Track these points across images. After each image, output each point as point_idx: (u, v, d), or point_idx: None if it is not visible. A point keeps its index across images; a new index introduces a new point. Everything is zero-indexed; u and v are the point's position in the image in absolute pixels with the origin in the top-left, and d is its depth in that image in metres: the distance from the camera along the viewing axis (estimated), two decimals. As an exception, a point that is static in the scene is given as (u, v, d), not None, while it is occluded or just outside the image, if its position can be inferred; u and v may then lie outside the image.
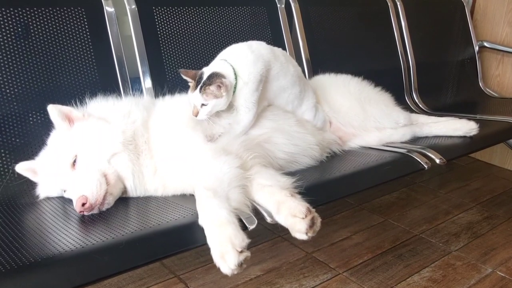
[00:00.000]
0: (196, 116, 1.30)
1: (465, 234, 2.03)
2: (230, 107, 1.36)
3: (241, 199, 1.10)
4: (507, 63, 2.81)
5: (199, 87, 1.28)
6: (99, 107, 1.33)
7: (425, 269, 1.75)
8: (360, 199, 2.35)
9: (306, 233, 1.02)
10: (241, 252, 0.91)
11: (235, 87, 1.32)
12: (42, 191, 1.28)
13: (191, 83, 1.33)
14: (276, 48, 1.46)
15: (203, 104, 1.29)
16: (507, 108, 2.44)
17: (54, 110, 1.24)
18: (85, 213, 1.12)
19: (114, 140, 1.22)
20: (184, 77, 1.35)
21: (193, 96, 1.30)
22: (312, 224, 1.02)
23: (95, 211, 1.14)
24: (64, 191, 1.23)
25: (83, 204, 1.10)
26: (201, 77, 1.30)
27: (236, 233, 0.95)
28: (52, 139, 1.28)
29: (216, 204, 1.02)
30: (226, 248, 0.92)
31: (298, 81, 1.49)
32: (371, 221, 2.14)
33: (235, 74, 1.31)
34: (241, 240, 0.94)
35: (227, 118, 1.36)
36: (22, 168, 1.29)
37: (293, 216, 1.03)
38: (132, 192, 1.25)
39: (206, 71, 1.32)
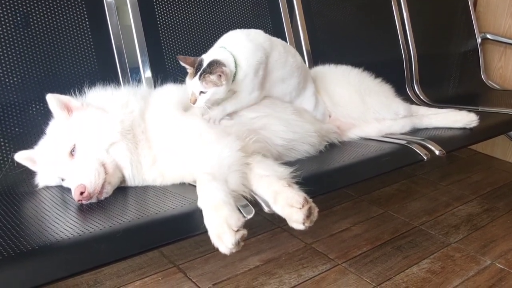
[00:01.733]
0: (193, 103, 1.29)
1: (464, 226, 2.03)
2: (228, 94, 1.35)
3: (239, 181, 1.11)
4: (509, 55, 2.78)
5: (198, 74, 1.27)
6: (98, 96, 1.33)
7: (424, 260, 1.75)
8: (360, 191, 2.35)
9: (303, 223, 1.02)
10: (237, 231, 0.93)
11: (234, 75, 1.32)
12: (41, 180, 1.29)
13: (190, 70, 1.32)
14: (274, 38, 1.45)
15: (201, 92, 1.28)
16: (509, 100, 2.43)
17: (52, 100, 1.25)
18: (84, 202, 1.12)
19: (112, 129, 1.23)
20: (183, 64, 1.33)
21: (192, 83, 1.28)
22: (309, 214, 1.02)
23: (93, 200, 1.14)
24: (63, 180, 1.24)
25: (81, 193, 1.10)
26: (200, 64, 1.29)
27: (231, 213, 0.97)
28: (51, 128, 1.28)
29: (214, 186, 1.04)
30: (222, 229, 0.94)
31: (297, 72, 1.48)
32: (370, 212, 2.14)
33: (235, 62, 1.31)
34: (237, 219, 0.95)
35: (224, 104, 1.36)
36: (21, 157, 1.30)
37: (290, 206, 1.03)
38: (130, 182, 1.26)
39: (206, 58, 1.30)
